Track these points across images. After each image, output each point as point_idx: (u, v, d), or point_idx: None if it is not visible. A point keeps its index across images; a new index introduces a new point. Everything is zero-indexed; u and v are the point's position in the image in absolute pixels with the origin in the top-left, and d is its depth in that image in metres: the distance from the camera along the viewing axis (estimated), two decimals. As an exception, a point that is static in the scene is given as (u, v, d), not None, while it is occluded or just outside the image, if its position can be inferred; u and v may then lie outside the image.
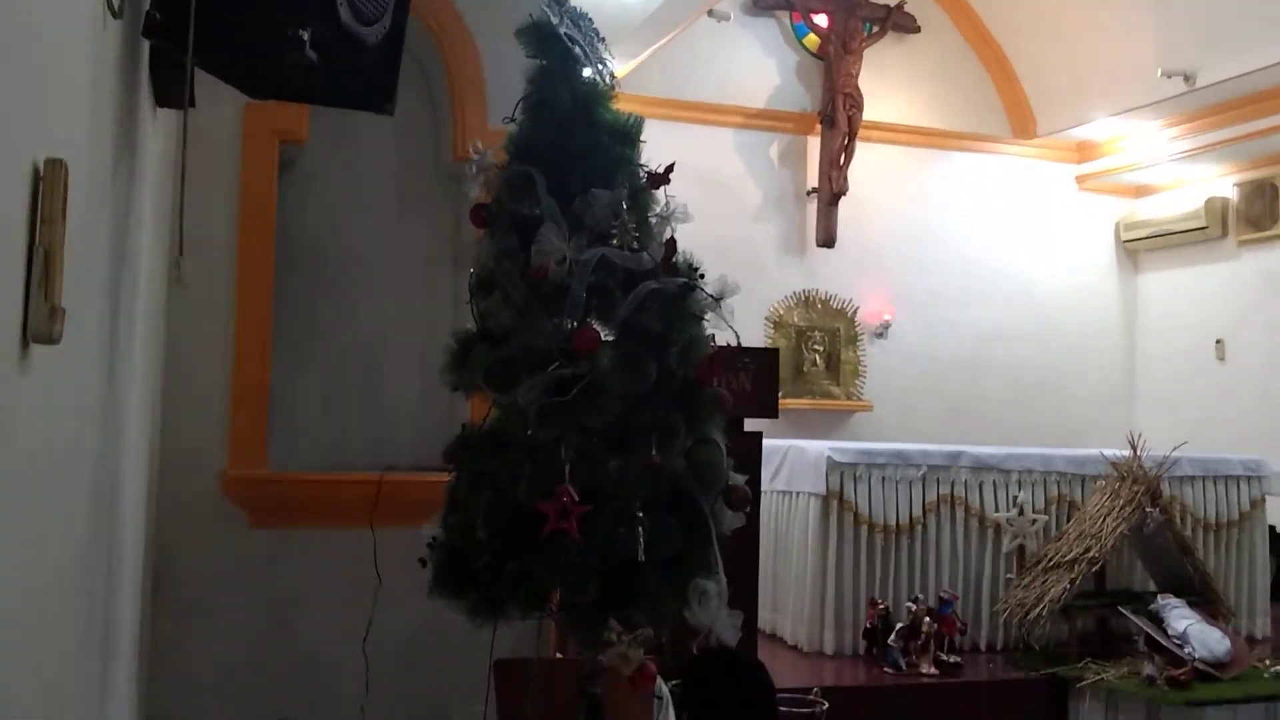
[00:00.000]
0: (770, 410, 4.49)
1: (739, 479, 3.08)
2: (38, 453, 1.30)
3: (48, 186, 1.15)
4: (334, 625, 4.26)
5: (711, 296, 3.07)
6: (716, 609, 2.97)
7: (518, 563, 2.82)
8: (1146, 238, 9.09)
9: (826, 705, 4.02)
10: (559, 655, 3.93)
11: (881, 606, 5.47)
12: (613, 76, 3.21)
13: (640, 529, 2.81)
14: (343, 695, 4.18)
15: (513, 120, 3.13)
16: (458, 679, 4.32)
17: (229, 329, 4.21)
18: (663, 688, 3.63)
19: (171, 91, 2.57)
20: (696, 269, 3.09)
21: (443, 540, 3.01)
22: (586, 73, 3.13)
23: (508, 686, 3.35)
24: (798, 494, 5.79)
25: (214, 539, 4.18)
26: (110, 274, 2.00)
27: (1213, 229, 8.58)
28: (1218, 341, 8.64)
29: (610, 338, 3.01)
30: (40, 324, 1.12)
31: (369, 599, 4.18)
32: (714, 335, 3.12)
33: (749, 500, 3.17)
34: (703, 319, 3.07)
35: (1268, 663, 5.26)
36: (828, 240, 8.28)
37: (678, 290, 3.02)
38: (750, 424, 4.47)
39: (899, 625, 5.34)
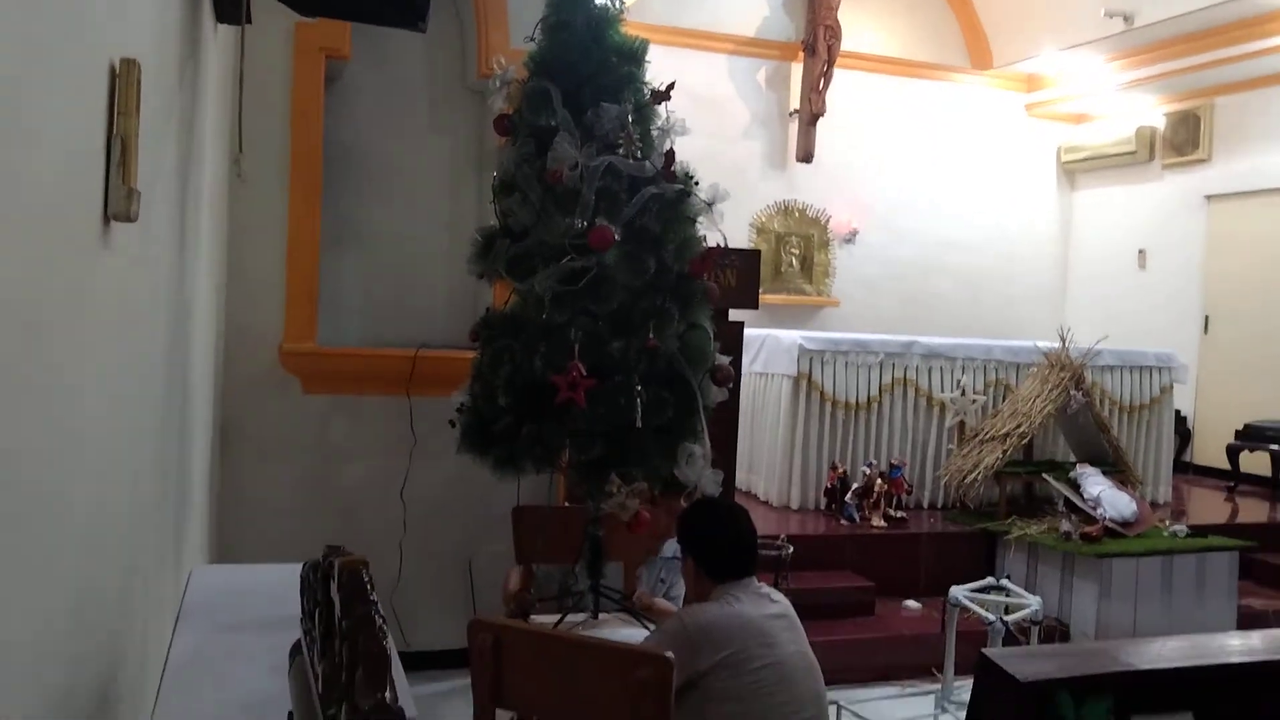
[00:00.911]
0: (752, 303, 4.47)
1: (723, 360, 3.08)
2: (120, 316, 1.29)
3: (123, 82, 1.12)
4: (376, 476, 4.32)
5: (704, 202, 3.03)
6: (702, 468, 3.00)
7: (533, 426, 2.84)
8: (1083, 160, 8.98)
9: (791, 549, 4.10)
10: (567, 504, 3.99)
11: (841, 470, 5.54)
12: (621, 3, 3.12)
13: (638, 400, 2.82)
14: (383, 534, 4.26)
15: (532, 40, 3.05)
16: (482, 523, 4.41)
17: (283, 222, 4.17)
18: (673, 545, 3.70)
19: (231, 9, 2.49)
20: (691, 177, 3.04)
21: (469, 406, 3.02)
22: (598, -1, 3.04)
23: (524, 529, 3.41)
24: (773, 375, 5.81)
25: (272, 403, 4.20)
26: (179, 165, 1.96)
27: (1141, 154, 8.47)
28: (1140, 251, 8.59)
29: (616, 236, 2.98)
30: (119, 203, 1.10)
31: (406, 455, 4.24)
32: (705, 236, 3.09)
33: (731, 378, 3.17)
34: (696, 221, 3.04)
35: (1167, 523, 5.35)
36: (806, 156, 8.15)
37: (675, 195, 2.98)
38: (734, 314, 4.46)
39: (855, 485, 5.43)
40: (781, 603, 2.58)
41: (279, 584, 2.23)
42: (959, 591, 3.75)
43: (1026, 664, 2.11)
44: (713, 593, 2.54)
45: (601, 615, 3.13)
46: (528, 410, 2.83)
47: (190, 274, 2.41)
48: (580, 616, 3.13)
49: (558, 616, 3.06)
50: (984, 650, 2.15)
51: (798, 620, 2.57)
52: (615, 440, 2.86)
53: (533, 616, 3.13)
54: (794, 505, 5.63)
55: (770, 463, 5.73)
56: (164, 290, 1.84)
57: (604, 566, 3.16)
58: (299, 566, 1.63)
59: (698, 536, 2.61)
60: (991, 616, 3.48)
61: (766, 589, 2.60)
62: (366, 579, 1.02)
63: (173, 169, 1.84)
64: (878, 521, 5.35)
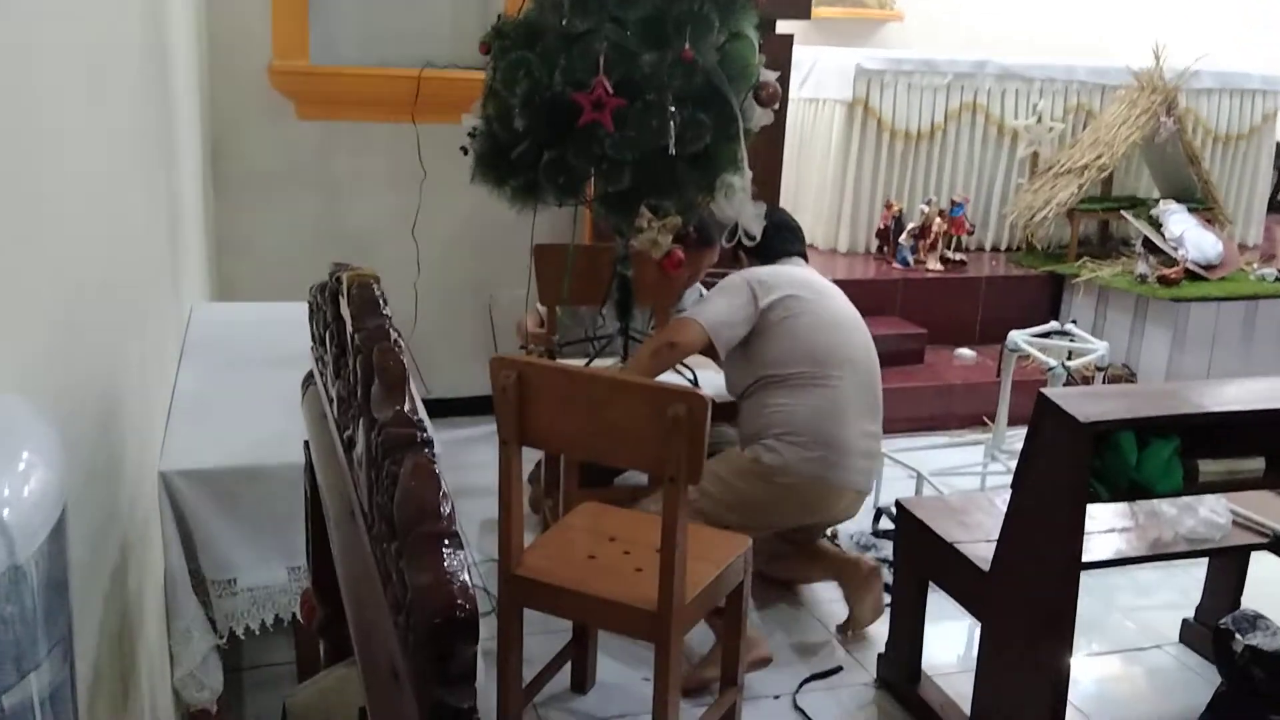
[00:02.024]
0: (803, 11, 4.27)
1: (769, 76, 2.97)
2: (86, 39, 1.25)
3: None
4: (384, 213, 4.33)
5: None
6: (741, 202, 2.96)
7: (554, 152, 2.80)
8: None
9: None
10: (594, 242, 4.00)
11: (896, 209, 5.48)
12: None
13: (672, 122, 2.74)
14: (395, 276, 4.30)
15: None
16: (500, 264, 4.46)
17: (263, -82, 3.97)
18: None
19: None
20: None
21: (482, 131, 2.96)
22: None
23: (547, 269, 3.43)
24: (824, 101, 5.64)
25: (265, 129, 4.16)
26: None
27: None
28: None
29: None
30: None
31: (415, 190, 4.22)
32: (751, -72, 2.90)
33: (778, 97, 3.07)
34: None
35: (1254, 266, 5.31)
36: None
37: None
38: (782, 26, 4.27)
39: (911, 225, 5.39)
40: (826, 280, 3.11)
41: (286, 321, 2.30)
42: (1018, 335, 3.79)
43: (1088, 404, 2.16)
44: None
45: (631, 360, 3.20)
46: (548, 134, 2.78)
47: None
48: (608, 361, 3.20)
49: (583, 361, 3.13)
50: (1043, 390, 2.19)
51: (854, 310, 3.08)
52: (646, 169, 2.81)
53: (559, 359, 3.21)
54: (842, 248, 5.63)
55: (818, 200, 5.68)
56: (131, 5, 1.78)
57: (633, 309, 3.20)
58: (306, 305, 1.66)
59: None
60: (1052, 362, 3.54)
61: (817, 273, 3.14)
62: (378, 293, 1.03)
63: None
64: (934, 264, 5.35)
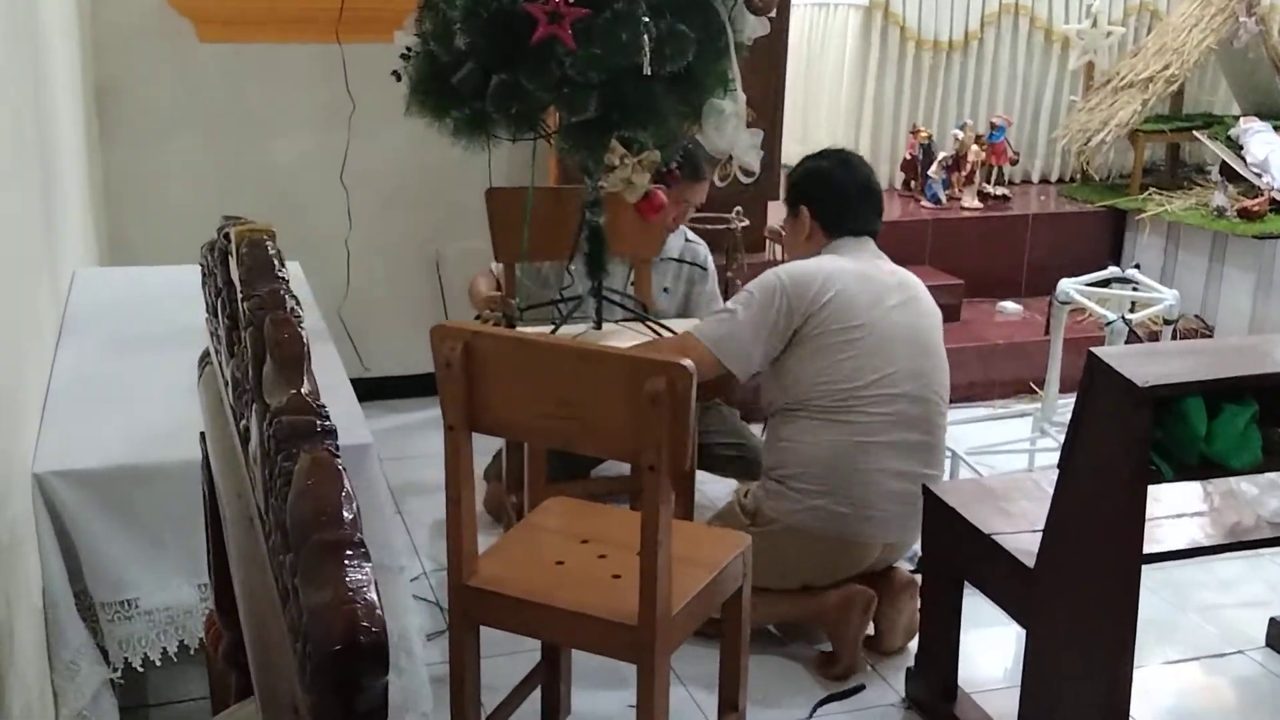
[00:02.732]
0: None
1: (764, -25, 2.95)
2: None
3: None
4: (307, 154, 4.31)
5: None
6: (734, 130, 2.94)
7: (505, 75, 2.77)
8: None
9: (745, 223, 4.16)
10: (558, 184, 3.98)
11: (924, 134, 5.48)
12: None
13: (646, 36, 2.72)
14: (323, 230, 4.30)
15: None
16: (449, 212, 4.44)
17: None
18: (708, 258, 3.72)
19: None
20: None
21: (419, 50, 2.93)
22: None
23: (502, 219, 3.41)
24: (835, 6, 5.64)
25: (159, 57, 4.13)
26: None
27: None
28: None
29: None
30: None
31: (344, 124, 4.20)
32: None
33: (774, 4, 3.05)
34: None
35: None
36: None
37: None
38: (780, -84, 4.25)
39: (942, 155, 5.39)
40: (901, 274, 3.08)
41: (189, 288, 2.28)
42: (1070, 285, 3.79)
43: (1148, 364, 2.16)
44: (820, 251, 3.06)
45: (606, 325, 3.20)
46: (496, 53, 2.75)
47: None
48: (579, 327, 3.19)
49: (549, 327, 3.12)
50: (1093, 349, 2.20)
51: (925, 298, 3.08)
52: (616, 93, 2.78)
53: (519, 327, 3.20)
54: None
55: (830, 126, 5.67)
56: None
57: (607, 263, 3.18)
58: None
59: (819, 176, 3.12)
60: (1111, 315, 3.54)
61: (888, 262, 3.11)
62: (273, 251, 1.02)
63: None
64: (970, 201, 5.35)
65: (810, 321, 2.91)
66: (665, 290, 3.70)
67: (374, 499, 2.16)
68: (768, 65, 4.23)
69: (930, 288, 4.91)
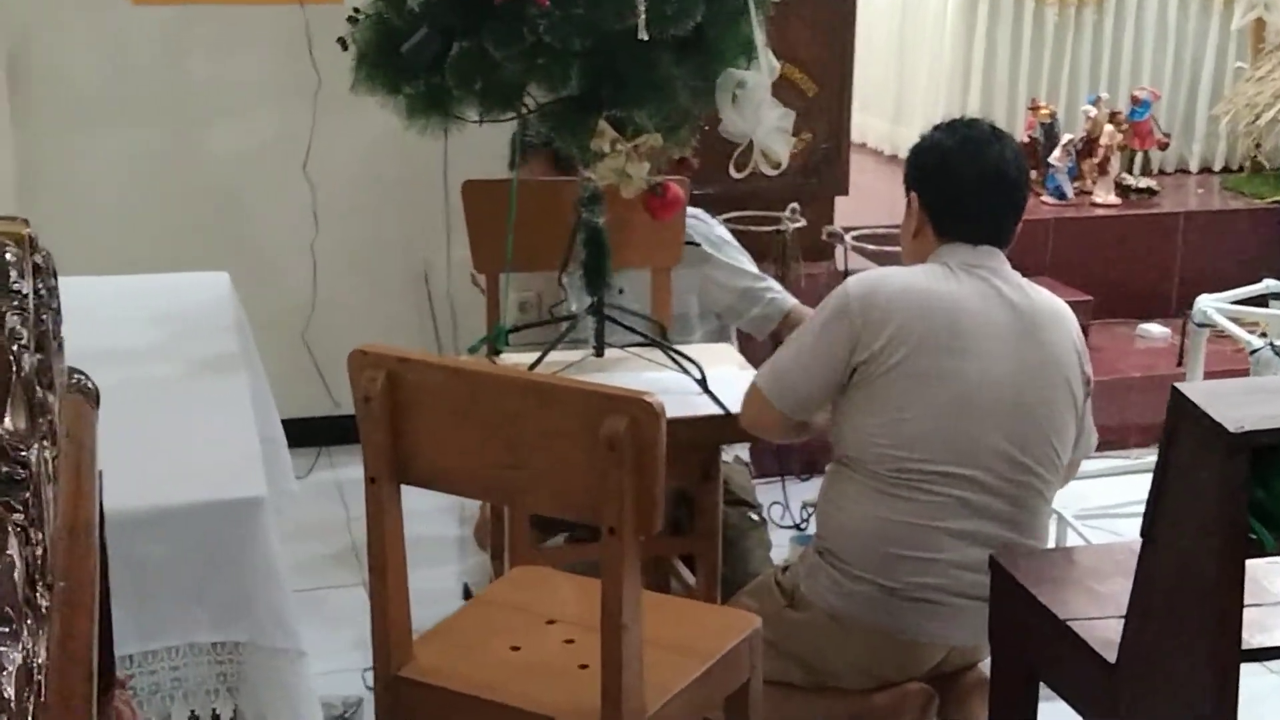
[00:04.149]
0: None
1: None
2: None
3: None
4: (263, 140, 4.39)
5: None
6: (758, 107, 2.94)
7: (467, 41, 2.81)
8: None
9: (801, 223, 4.10)
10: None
11: (1046, 112, 5.44)
12: None
13: (641, -9, 2.74)
14: (284, 235, 4.37)
15: None
16: (437, 212, 4.47)
17: None
18: (706, 229, 3.71)
19: None
20: None
21: (369, 12, 2.98)
22: None
23: (481, 218, 3.44)
24: (934, -49, 5.64)
25: (84, 22, 4.22)
26: None
27: None
28: None
29: None
30: None
31: (308, 104, 4.25)
32: None
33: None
34: None
35: None
36: None
37: None
38: None
39: (1068, 137, 5.34)
40: (1034, 300, 2.86)
41: (106, 302, 2.33)
42: (1210, 302, 3.74)
43: (1247, 404, 2.13)
44: (930, 256, 2.89)
45: (612, 353, 3.20)
46: (456, 15, 2.79)
47: None
48: (575, 354, 3.21)
49: (535, 355, 3.14)
50: (1177, 385, 2.16)
51: (1058, 339, 2.85)
52: (604, 63, 2.81)
53: (503, 355, 3.23)
54: None
55: (928, 102, 5.67)
56: None
57: (608, 275, 3.19)
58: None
59: (932, 154, 2.95)
60: (1257, 341, 3.49)
61: (1017, 278, 2.89)
62: (10, 258, 1.04)
63: None
64: (1105, 196, 5.31)
65: (880, 356, 2.75)
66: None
67: (261, 566, 2.18)
68: (833, 26, 4.23)
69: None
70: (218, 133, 4.39)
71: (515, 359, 3.19)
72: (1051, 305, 2.89)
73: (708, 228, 3.71)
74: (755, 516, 3.68)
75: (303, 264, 4.39)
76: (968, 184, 2.88)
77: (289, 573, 2.32)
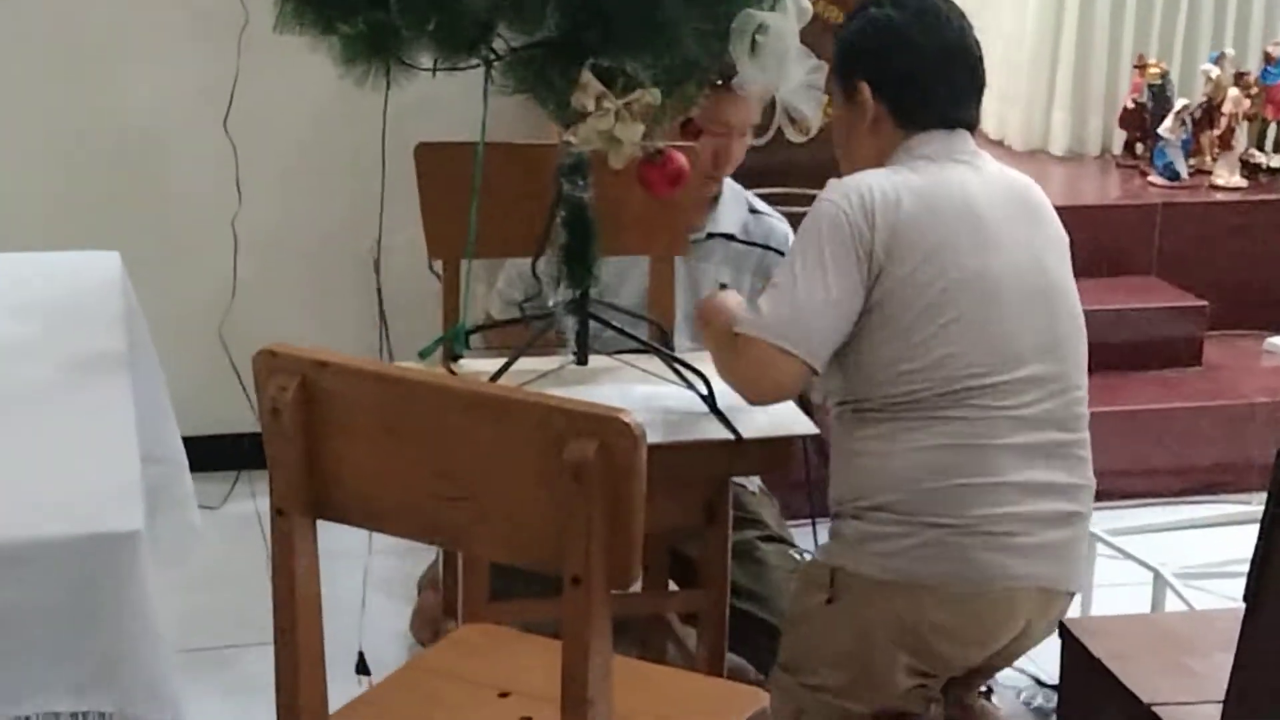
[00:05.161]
0: None
1: None
2: None
3: None
4: (178, 92, 4.39)
5: None
6: (783, 58, 2.94)
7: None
8: None
9: None
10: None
11: (1156, 70, 5.43)
12: None
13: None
14: (197, 206, 4.38)
15: None
16: (391, 183, 4.44)
17: None
18: (788, 237, 3.70)
19: None
20: None
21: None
22: None
23: (438, 184, 3.43)
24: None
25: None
26: None
27: None
28: None
29: None
30: None
31: (231, 47, 4.24)
32: None
33: None
34: None
35: None
36: None
37: None
38: None
39: (1183, 104, 5.33)
40: (1012, 180, 3.09)
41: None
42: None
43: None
44: (892, 154, 3.02)
45: (597, 360, 3.20)
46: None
47: None
48: (552, 362, 3.20)
49: (501, 362, 3.14)
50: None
51: (1049, 218, 3.08)
52: (591, 1, 2.81)
53: (463, 362, 3.22)
54: (1056, 148, 5.68)
55: (1012, 60, 5.66)
56: None
57: (593, 262, 3.18)
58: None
59: (884, 32, 3.05)
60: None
61: (992, 163, 3.10)
62: None
63: None
64: (1228, 176, 5.31)
65: (893, 267, 2.88)
66: (723, 286, 3.65)
67: (133, 618, 2.17)
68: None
69: (1156, 311, 4.95)
70: (117, 79, 4.41)
71: (478, 366, 3.19)
72: (1025, 179, 3.12)
73: (787, 236, 3.70)
74: (798, 555, 3.68)
75: (220, 243, 4.38)
76: (932, 60, 3.01)
77: (175, 627, 2.31)
